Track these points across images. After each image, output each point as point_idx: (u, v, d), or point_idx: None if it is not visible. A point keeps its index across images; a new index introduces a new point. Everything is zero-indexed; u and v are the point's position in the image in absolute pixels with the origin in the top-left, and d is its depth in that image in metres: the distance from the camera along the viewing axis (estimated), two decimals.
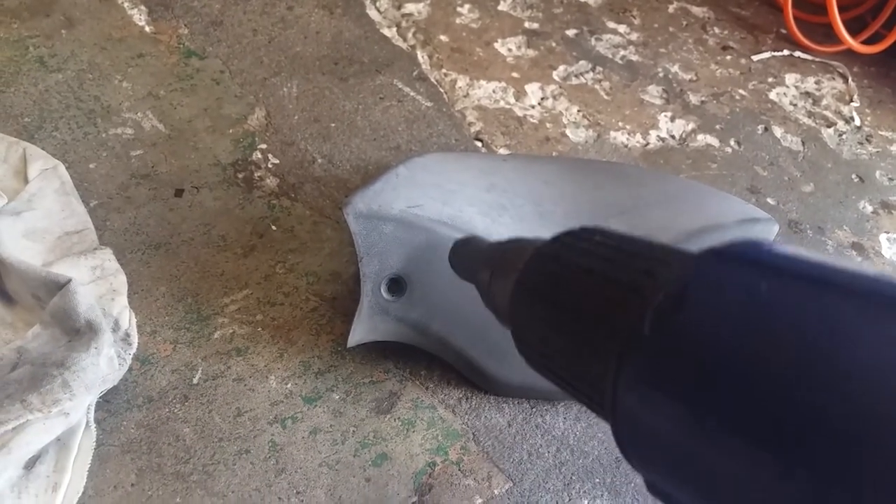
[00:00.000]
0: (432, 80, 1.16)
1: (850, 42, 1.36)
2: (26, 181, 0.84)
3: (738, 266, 0.27)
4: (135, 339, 0.73)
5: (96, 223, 0.84)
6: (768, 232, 0.81)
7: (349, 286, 0.85)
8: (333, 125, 1.04)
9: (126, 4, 1.13)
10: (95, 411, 0.68)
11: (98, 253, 0.78)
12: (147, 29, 1.11)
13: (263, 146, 0.99)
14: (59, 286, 0.68)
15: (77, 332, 0.67)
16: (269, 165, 0.96)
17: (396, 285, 0.73)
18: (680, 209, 0.84)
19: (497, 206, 0.81)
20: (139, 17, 1.12)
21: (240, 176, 0.94)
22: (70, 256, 0.76)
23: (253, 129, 1.01)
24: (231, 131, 0.99)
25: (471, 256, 0.55)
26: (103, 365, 0.66)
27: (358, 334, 0.75)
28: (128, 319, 0.74)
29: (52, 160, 0.87)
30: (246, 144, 0.98)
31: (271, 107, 1.04)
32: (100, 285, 0.75)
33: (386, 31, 1.22)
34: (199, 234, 0.87)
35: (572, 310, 0.36)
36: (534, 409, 0.78)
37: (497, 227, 0.78)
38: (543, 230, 0.81)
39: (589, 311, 0.34)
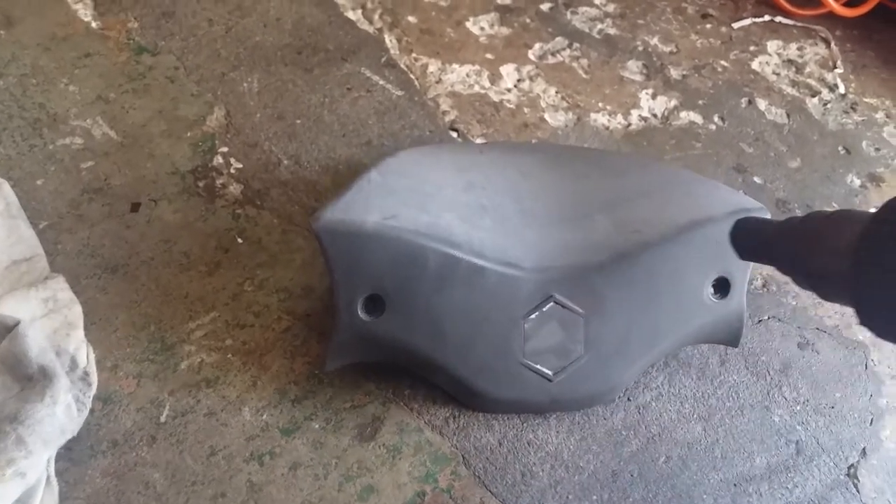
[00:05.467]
0: (402, 65, 1.10)
1: (832, 4, 1.31)
2: None
3: None
4: (94, 377, 0.68)
5: (46, 247, 0.78)
6: None
7: (324, 301, 0.80)
8: (299, 122, 0.98)
9: None
10: (56, 462, 0.64)
11: (49, 283, 0.72)
12: (94, 24, 1.03)
13: (224, 149, 0.92)
14: (8, 329, 0.63)
15: (29, 380, 0.62)
16: (232, 171, 0.90)
17: (374, 303, 0.69)
18: (667, 200, 0.80)
19: (477, 208, 0.76)
20: (84, 11, 1.04)
21: (200, 184, 0.88)
22: (19, 289, 0.70)
23: (212, 130, 0.94)
24: (189, 135, 0.93)
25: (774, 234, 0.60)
26: (60, 414, 0.60)
27: (335, 358, 0.70)
28: (85, 355, 0.69)
29: None
30: (206, 148, 0.92)
31: (231, 105, 0.98)
32: (53, 319, 0.69)
33: (350, 14, 1.15)
34: (160, 252, 0.81)
35: None
36: (524, 425, 0.74)
37: (478, 231, 0.73)
38: (527, 230, 0.77)
39: None
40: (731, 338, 0.79)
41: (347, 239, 0.66)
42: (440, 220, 0.71)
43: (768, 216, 0.78)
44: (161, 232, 0.82)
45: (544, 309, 0.72)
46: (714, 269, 0.76)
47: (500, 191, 0.80)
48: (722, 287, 0.77)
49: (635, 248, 0.74)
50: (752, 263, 0.78)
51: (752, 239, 0.64)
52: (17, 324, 0.63)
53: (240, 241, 0.83)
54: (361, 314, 0.68)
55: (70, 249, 0.79)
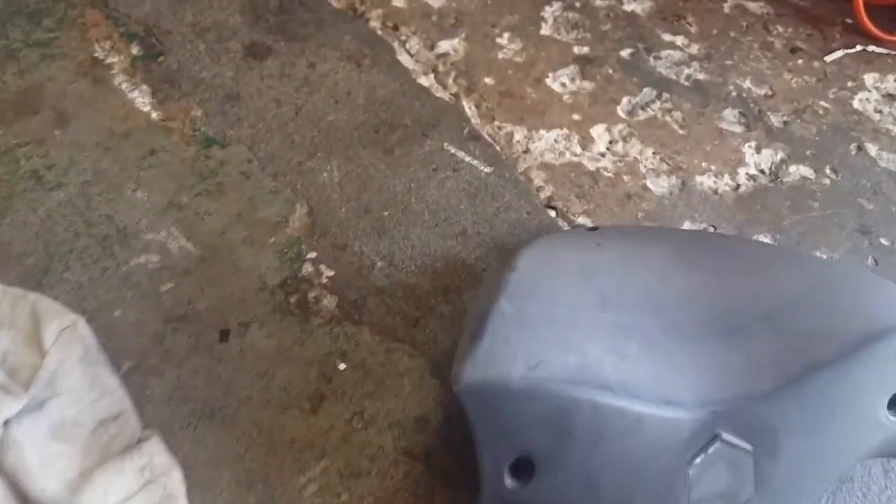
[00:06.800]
0: (485, 136, 1.01)
1: None
2: (40, 348, 0.69)
3: None
4: None
5: (134, 393, 0.70)
6: None
7: (441, 436, 0.71)
8: (387, 213, 0.89)
9: (125, 86, 0.97)
10: None
11: (144, 446, 0.63)
12: (154, 115, 0.95)
13: (312, 255, 0.84)
14: None
15: None
16: (324, 280, 0.82)
17: (522, 467, 0.59)
18: (834, 307, 0.70)
19: (619, 330, 0.67)
20: (142, 100, 0.96)
21: (292, 300, 0.79)
22: (112, 458, 0.62)
23: (297, 232, 0.85)
24: (272, 240, 0.84)
25: None
26: None
27: None
28: None
29: (68, 315, 0.72)
30: (292, 255, 0.83)
31: (313, 199, 0.89)
32: (152, 492, 0.61)
33: (423, 80, 1.06)
34: (257, 388, 0.72)
35: None
36: None
37: (628, 364, 0.64)
38: (678, 351, 0.67)
39: None
40: None
41: (494, 399, 0.57)
42: (588, 357, 0.62)
43: None
44: (256, 363, 0.74)
45: (709, 451, 0.62)
46: (892, 385, 0.66)
47: (638, 302, 0.70)
48: None
49: (806, 370, 0.64)
50: None
51: None
52: None
53: (342, 366, 0.75)
54: (509, 481, 0.59)
55: (159, 395, 0.71)
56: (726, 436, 0.63)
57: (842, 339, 0.66)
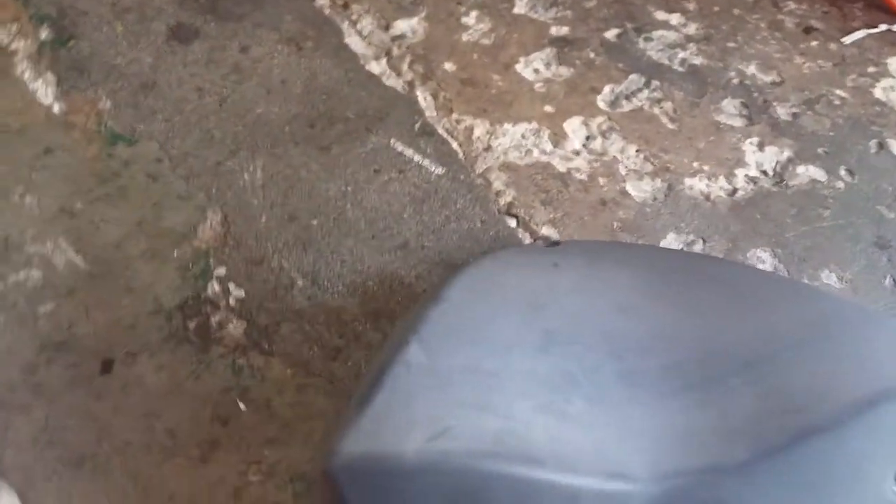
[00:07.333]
0: (441, 131, 0.88)
1: None
2: None
3: None
4: None
5: None
6: None
7: None
8: (315, 222, 0.77)
9: (27, 75, 0.85)
10: None
11: None
12: (56, 108, 0.83)
13: (222, 271, 0.72)
14: None
15: None
16: (231, 301, 0.70)
17: None
18: (835, 356, 0.57)
19: (562, 380, 0.55)
20: (45, 91, 0.84)
21: (191, 325, 0.68)
22: None
23: (206, 245, 0.74)
24: (176, 254, 0.73)
25: None
26: None
27: None
28: None
29: None
30: (197, 272, 0.72)
31: (229, 206, 0.77)
32: None
33: (374, 66, 0.93)
34: (139, 431, 0.62)
35: None
36: None
37: (566, 427, 0.52)
38: (634, 407, 0.55)
39: None
40: None
41: (381, 481, 0.45)
42: (513, 420, 0.50)
43: None
44: (141, 401, 0.63)
45: None
46: None
47: (592, 342, 0.58)
48: None
49: (795, 437, 0.52)
50: None
51: None
52: None
53: (242, 406, 0.64)
54: None
55: (23, 438, 0.60)
56: None
57: (841, 398, 0.54)
